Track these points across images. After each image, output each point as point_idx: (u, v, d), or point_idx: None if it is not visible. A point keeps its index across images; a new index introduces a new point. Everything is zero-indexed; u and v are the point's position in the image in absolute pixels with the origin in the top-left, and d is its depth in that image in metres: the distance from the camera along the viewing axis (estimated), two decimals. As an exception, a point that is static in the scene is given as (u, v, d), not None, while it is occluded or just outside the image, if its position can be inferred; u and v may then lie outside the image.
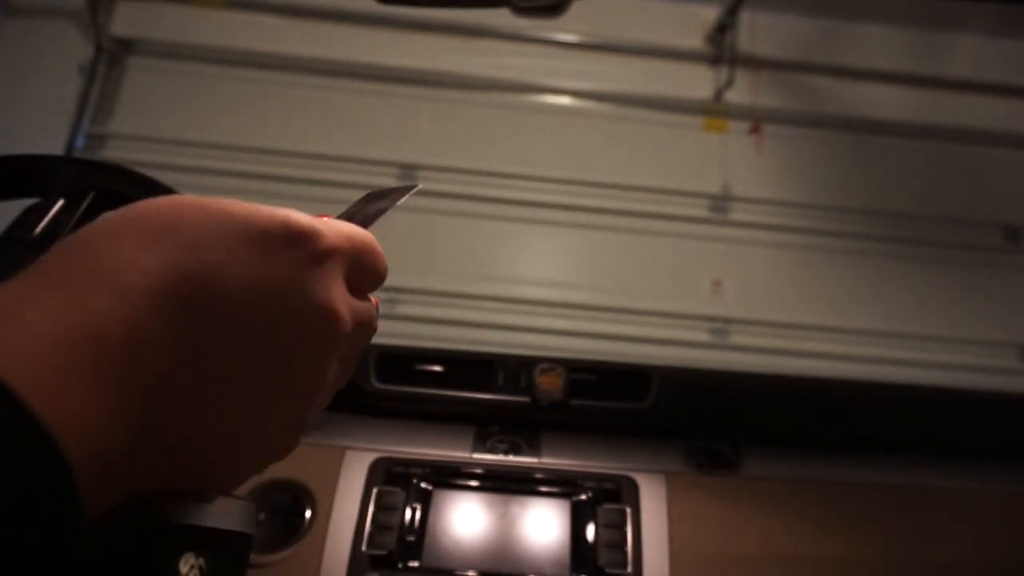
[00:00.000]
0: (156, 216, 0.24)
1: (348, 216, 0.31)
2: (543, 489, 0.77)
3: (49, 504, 0.17)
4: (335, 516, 0.73)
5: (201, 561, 0.23)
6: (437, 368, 0.89)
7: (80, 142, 1.88)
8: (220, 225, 0.24)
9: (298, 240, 0.25)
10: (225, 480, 0.25)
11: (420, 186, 0.35)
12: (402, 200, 0.33)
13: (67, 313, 0.20)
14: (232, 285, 0.23)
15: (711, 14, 2.10)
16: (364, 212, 0.32)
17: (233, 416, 0.24)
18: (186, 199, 0.25)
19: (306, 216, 0.26)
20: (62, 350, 0.19)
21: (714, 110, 2.08)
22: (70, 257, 0.22)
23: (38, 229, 0.60)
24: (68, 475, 0.18)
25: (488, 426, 0.86)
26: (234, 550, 0.25)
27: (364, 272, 0.28)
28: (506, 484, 0.77)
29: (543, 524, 0.74)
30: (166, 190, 0.68)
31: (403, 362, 0.87)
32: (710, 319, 1.91)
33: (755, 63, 2.09)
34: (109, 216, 0.24)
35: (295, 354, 0.25)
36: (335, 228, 0.27)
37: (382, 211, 0.32)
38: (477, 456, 0.82)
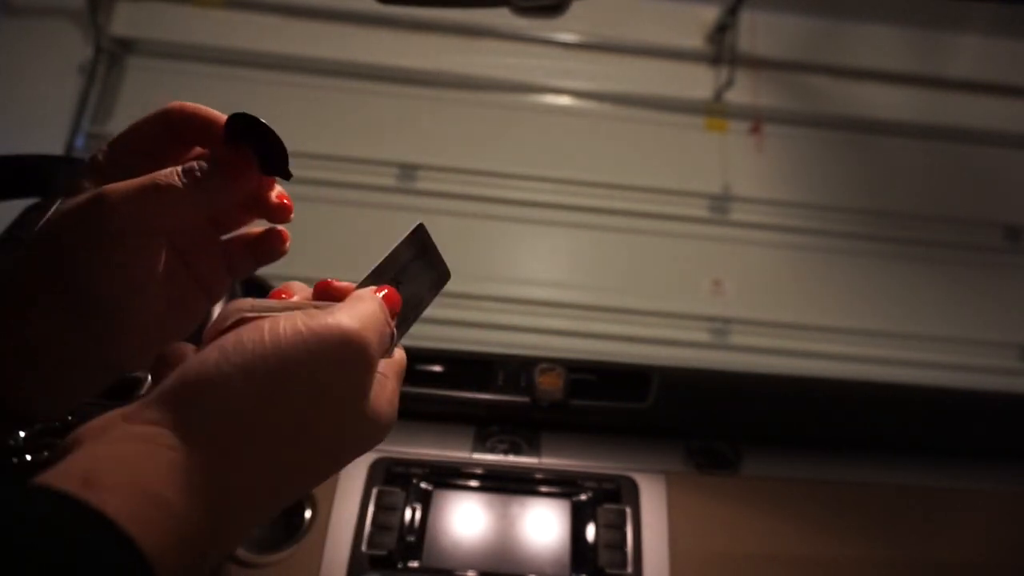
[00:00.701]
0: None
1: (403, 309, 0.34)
2: (543, 489, 0.77)
3: None
4: (335, 516, 0.73)
5: None
6: (437, 368, 0.89)
7: (80, 142, 1.88)
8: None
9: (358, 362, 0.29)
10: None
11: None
12: (435, 295, 0.37)
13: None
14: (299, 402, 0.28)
15: (711, 14, 2.10)
16: (405, 314, 0.34)
17: (291, 482, 0.29)
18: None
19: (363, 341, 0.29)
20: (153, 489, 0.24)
21: (714, 110, 2.08)
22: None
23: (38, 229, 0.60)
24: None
25: (488, 426, 0.86)
26: None
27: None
28: (506, 484, 0.77)
29: (543, 524, 0.74)
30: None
31: (403, 362, 0.87)
32: (710, 319, 1.91)
33: (755, 63, 2.09)
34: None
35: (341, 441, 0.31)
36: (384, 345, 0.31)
37: (418, 315, 0.36)
38: (477, 456, 0.82)
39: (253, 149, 0.34)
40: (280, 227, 0.38)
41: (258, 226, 0.39)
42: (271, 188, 0.37)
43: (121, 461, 0.24)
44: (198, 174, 0.32)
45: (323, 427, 0.29)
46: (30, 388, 0.32)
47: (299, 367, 0.27)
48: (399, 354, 0.34)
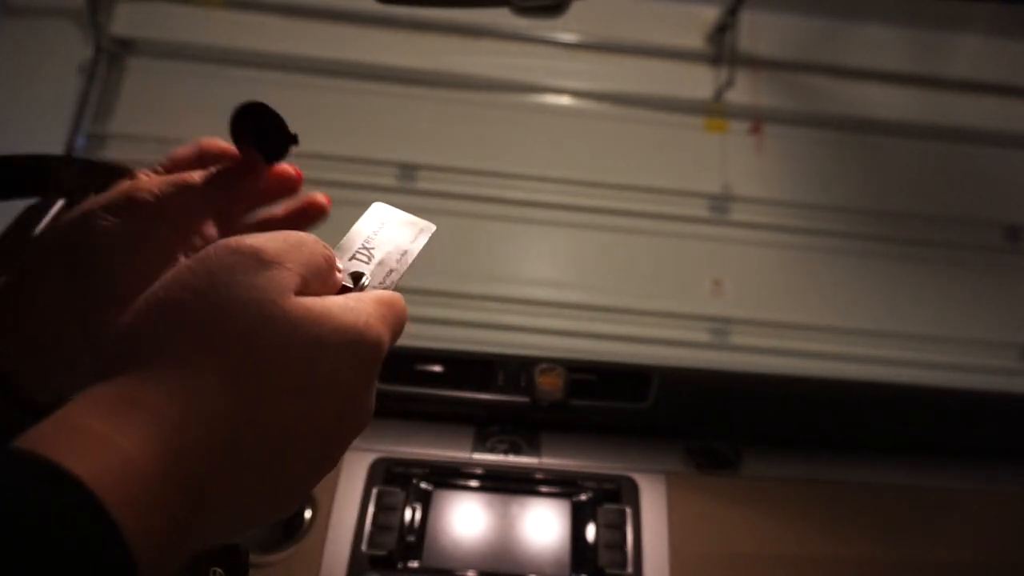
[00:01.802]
0: (204, 321, 0.25)
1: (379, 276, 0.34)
2: (543, 489, 0.77)
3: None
4: (335, 516, 0.73)
5: (221, 572, 0.28)
6: (437, 368, 0.89)
7: (80, 142, 1.88)
8: (275, 333, 0.26)
9: (364, 350, 0.29)
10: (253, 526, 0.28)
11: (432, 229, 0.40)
12: (422, 243, 0.38)
13: (144, 437, 0.22)
14: (289, 392, 0.26)
15: (711, 14, 2.10)
16: (388, 266, 0.34)
17: (280, 484, 0.26)
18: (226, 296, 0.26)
19: (362, 321, 0.28)
20: (140, 469, 0.21)
21: (714, 110, 2.08)
22: (128, 376, 0.24)
23: (38, 229, 0.60)
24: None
25: (488, 426, 0.86)
26: (242, 562, 0.31)
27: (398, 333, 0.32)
28: (506, 484, 0.77)
29: (543, 524, 0.74)
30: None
31: (403, 362, 0.87)
32: (710, 319, 1.91)
33: (755, 63, 2.09)
34: (150, 302, 0.26)
35: (335, 432, 0.28)
36: (384, 319, 0.30)
37: (406, 263, 0.36)
38: (477, 456, 0.82)
39: (255, 139, 0.38)
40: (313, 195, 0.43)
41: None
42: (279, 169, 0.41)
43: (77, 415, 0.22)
44: (213, 171, 0.37)
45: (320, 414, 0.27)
46: (37, 375, 0.33)
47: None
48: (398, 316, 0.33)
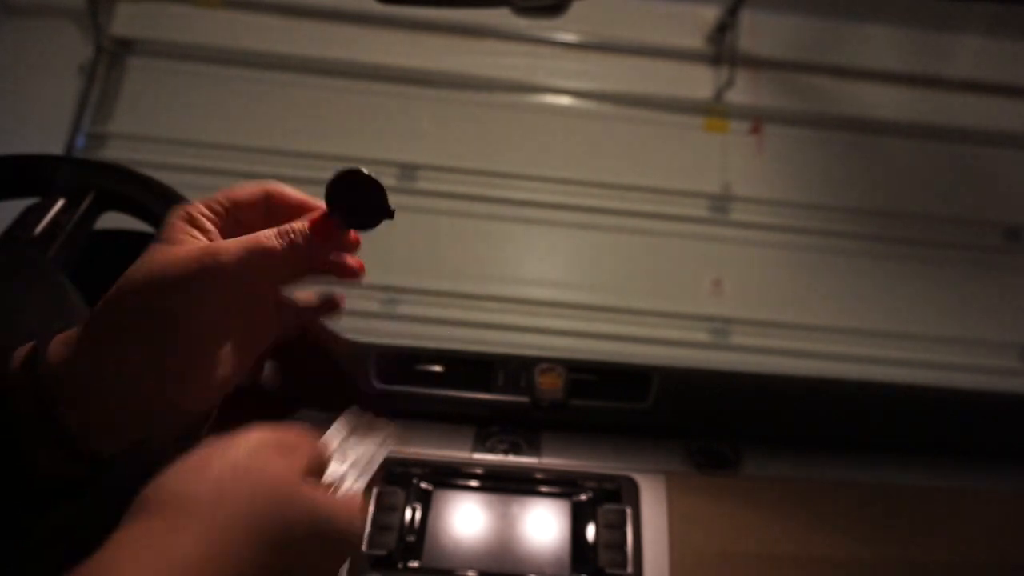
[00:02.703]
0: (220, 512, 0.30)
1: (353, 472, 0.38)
2: (543, 489, 0.77)
3: None
4: (335, 516, 0.73)
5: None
6: (437, 368, 0.89)
7: (80, 142, 1.88)
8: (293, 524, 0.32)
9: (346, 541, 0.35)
10: None
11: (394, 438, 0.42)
12: (385, 452, 0.40)
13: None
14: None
15: (711, 14, 2.11)
16: (359, 464, 0.39)
17: None
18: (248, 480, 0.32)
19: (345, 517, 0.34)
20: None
21: (714, 110, 2.08)
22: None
23: (38, 229, 0.60)
24: None
25: (488, 426, 0.86)
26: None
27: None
28: (506, 484, 0.77)
29: (543, 524, 0.74)
30: (165, 189, 0.68)
31: (403, 362, 0.87)
32: (710, 319, 1.91)
33: (755, 63, 2.10)
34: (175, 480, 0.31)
35: None
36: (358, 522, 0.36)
37: (376, 463, 0.39)
38: (477, 456, 0.82)
39: (348, 205, 0.37)
40: (338, 292, 0.42)
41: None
42: (353, 242, 0.39)
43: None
44: (292, 236, 0.36)
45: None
46: (98, 424, 0.33)
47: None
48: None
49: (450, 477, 0.77)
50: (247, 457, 0.32)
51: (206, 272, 0.33)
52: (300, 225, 0.36)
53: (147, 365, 0.33)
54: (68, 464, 0.33)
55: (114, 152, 1.88)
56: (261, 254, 0.35)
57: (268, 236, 0.35)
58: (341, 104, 2.00)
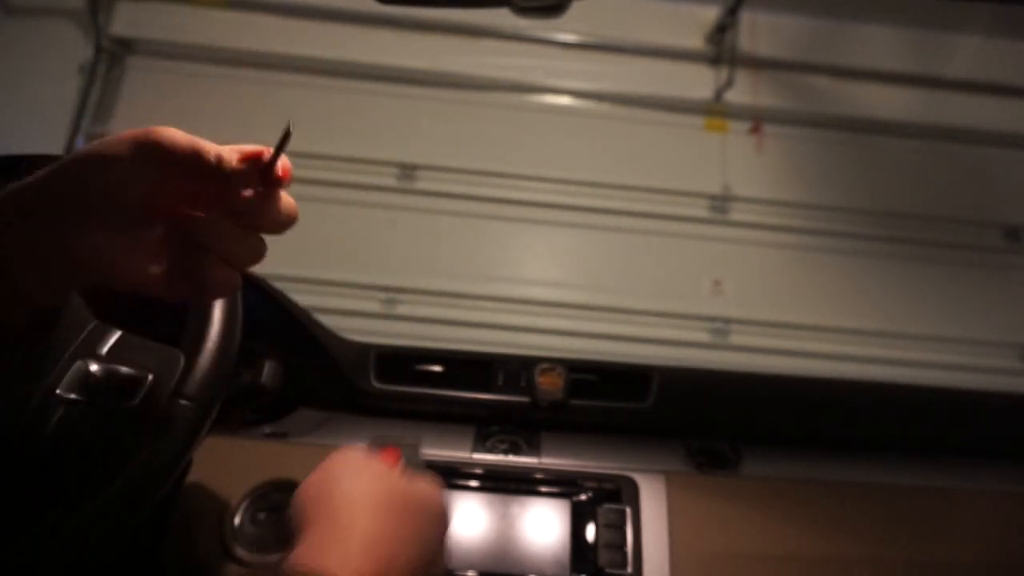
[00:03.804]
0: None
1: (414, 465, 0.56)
2: (543, 489, 0.77)
3: None
4: (335, 516, 0.73)
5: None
6: (437, 368, 0.89)
7: (80, 142, 1.88)
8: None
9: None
10: None
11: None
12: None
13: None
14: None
15: (711, 14, 2.11)
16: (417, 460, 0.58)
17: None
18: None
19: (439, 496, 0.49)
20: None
21: (714, 110, 2.08)
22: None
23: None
24: None
25: (488, 426, 0.86)
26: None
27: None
28: (506, 484, 0.77)
29: (543, 524, 0.74)
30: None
31: (403, 362, 0.87)
32: (710, 319, 1.91)
33: (755, 63, 2.10)
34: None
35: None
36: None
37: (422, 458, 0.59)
38: (477, 456, 0.82)
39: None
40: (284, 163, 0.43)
41: None
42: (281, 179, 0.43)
43: None
44: (226, 154, 0.41)
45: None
46: (40, 279, 0.38)
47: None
48: None
49: (450, 477, 0.77)
50: (360, 464, 0.46)
51: (150, 143, 0.38)
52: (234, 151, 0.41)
53: (56, 235, 0.37)
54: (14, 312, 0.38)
55: (114, 152, 1.87)
56: (197, 148, 0.40)
57: (209, 148, 0.40)
58: (341, 104, 2.00)
